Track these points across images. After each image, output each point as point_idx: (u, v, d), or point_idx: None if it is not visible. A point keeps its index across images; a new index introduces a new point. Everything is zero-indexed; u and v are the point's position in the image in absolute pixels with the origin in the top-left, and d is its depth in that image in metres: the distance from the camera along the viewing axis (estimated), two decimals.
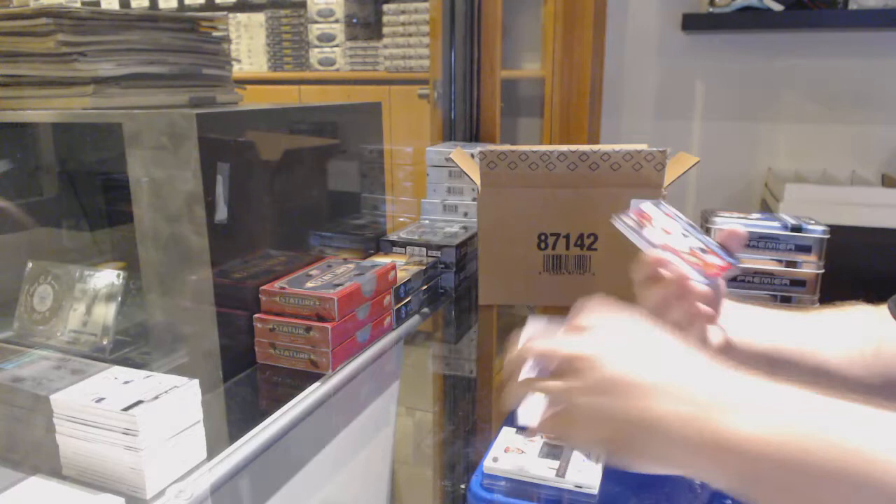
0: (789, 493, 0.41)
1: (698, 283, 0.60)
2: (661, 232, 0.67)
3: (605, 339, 0.49)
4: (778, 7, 1.92)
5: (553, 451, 0.65)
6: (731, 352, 0.63)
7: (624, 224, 0.69)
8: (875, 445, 0.39)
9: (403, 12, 2.53)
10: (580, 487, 0.61)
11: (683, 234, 0.67)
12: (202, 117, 0.74)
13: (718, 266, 0.63)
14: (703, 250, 0.65)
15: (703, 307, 0.61)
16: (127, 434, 0.56)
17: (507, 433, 0.69)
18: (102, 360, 0.79)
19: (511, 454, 0.65)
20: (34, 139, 1.05)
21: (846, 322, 0.67)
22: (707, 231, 0.93)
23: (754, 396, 0.44)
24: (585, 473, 0.62)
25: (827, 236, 0.92)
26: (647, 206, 0.72)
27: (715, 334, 0.63)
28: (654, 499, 0.64)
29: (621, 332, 0.50)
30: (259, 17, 2.86)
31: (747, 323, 0.65)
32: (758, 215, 0.98)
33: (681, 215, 0.71)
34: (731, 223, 0.93)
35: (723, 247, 0.65)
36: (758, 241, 0.93)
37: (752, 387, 0.45)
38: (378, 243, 1.14)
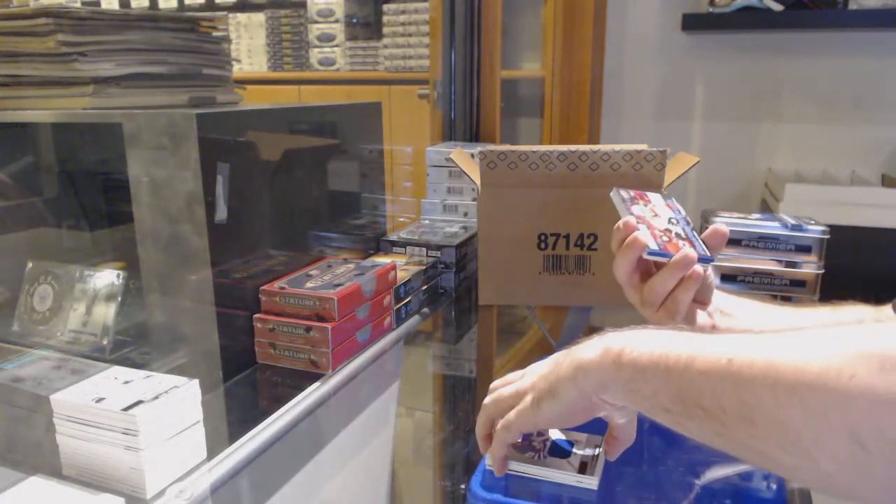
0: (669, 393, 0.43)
1: (648, 254, 0.61)
2: (649, 212, 0.67)
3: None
4: (778, 7, 1.92)
5: (553, 449, 0.65)
6: None
7: (619, 195, 0.69)
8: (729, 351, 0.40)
9: (403, 12, 2.53)
10: (580, 485, 0.61)
11: (670, 221, 0.67)
12: (202, 117, 0.74)
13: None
14: (679, 236, 0.65)
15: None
16: (127, 434, 0.56)
17: None
18: (102, 360, 0.79)
19: (512, 451, 0.65)
20: (34, 139, 1.05)
21: (838, 318, 0.67)
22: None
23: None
24: (586, 472, 0.62)
25: (827, 236, 0.92)
26: (653, 194, 0.72)
27: (703, 319, 0.64)
28: (654, 497, 0.64)
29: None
30: (259, 17, 2.86)
31: (749, 314, 0.66)
32: (758, 215, 0.98)
33: (682, 211, 0.71)
34: (732, 223, 0.93)
35: (704, 242, 0.66)
36: (758, 241, 0.93)
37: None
38: (378, 243, 1.14)
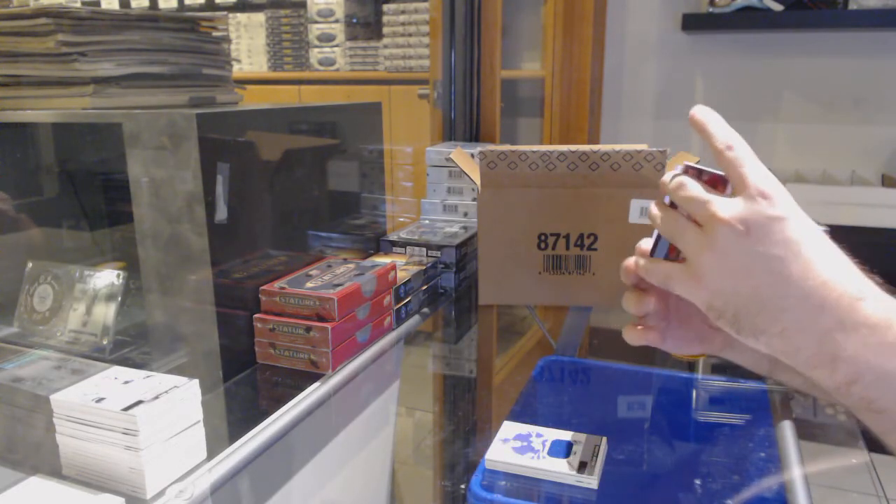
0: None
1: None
2: None
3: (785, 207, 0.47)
4: (778, 7, 1.92)
5: (553, 449, 0.65)
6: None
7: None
8: None
9: (403, 12, 2.53)
10: (580, 485, 0.61)
11: None
12: (202, 117, 0.74)
13: None
14: None
15: None
16: (127, 434, 0.56)
17: (507, 429, 0.69)
18: (102, 360, 0.79)
19: (512, 450, 0.65)
20: (34, 139, 1.05)
21: None
22: None
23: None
24: (586, 470, 0.62)
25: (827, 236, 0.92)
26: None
27: None
28: (654, 497, 0.64)
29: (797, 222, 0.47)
30: (259, 17, 2.87)
31: None
32: None
33: None
34: None
35: None
36: None
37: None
38: (378, 243, 1.14)
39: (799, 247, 0.45)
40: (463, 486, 0.66)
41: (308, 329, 0.80)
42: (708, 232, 0.47)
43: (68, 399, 0.59)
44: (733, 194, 0.47)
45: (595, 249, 1.00)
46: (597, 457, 0.64)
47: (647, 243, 0.57)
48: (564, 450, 0.65)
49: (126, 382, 0.61)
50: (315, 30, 2.73)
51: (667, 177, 0.52)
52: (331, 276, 0.87)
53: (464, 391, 0.96)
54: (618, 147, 0.96)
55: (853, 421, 0.60)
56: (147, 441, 0.56)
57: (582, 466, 0.63)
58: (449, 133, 1.69)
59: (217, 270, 0.78)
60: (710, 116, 0.50)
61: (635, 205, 0.71)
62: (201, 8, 2.95)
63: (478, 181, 1.00)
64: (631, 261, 0.57)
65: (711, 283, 0.47)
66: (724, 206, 0.46)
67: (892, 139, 2.03)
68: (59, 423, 0.59)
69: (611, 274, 0.99)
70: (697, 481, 0.64)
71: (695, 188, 0.49)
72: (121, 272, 0.85)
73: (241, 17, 2.88)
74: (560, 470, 0.63)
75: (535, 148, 0.97)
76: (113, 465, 0.57)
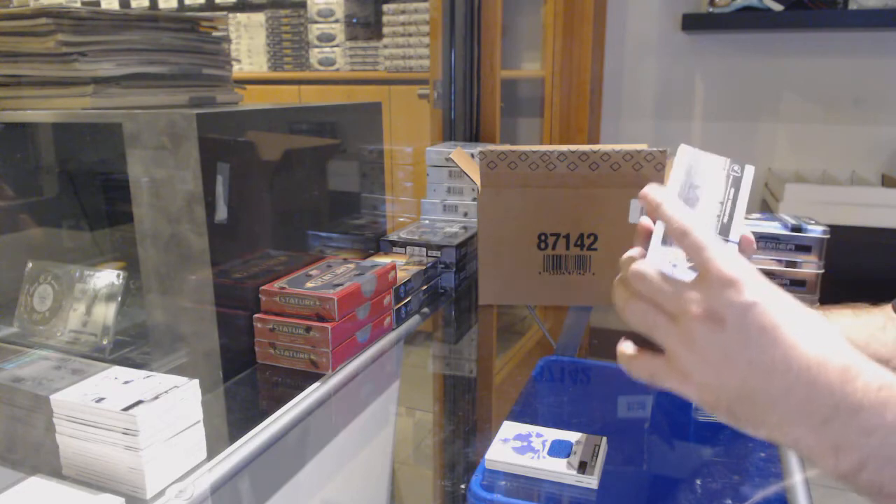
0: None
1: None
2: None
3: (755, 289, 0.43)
4: (778, 7, 1.92)
5: (553, 449, 0.65)
6: None
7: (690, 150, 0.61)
8: None
9: (403, 12, 2.53)
10: (580, 485, 0.62)
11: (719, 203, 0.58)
12: (202, 117, 0.74)
13: None
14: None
15: None
16: (127, 434, 0.56)
17: (507, 429, 0.69)
18: (102, 360, 0.79)
19: (512, 450, 0.65)
20: (34, 139, 1.05)
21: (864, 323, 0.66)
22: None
23: None
24: (586, 470, 0.62)
25: (827, 236, 0.92)
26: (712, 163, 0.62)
27: None
28: (654, 497, 0.64)
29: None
30: (259, 17, 2.86)
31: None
32: (758, 215, 0.98)
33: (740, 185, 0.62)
34: None
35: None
36: (758, 241, 0.93)
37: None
38: (378, 243, 1.14)
39: (775, 332, 0.42)
40: (463, 486, 0.66)
41: (308, 329, 0.80)
42: (681, 326, 0.44)
43: (68, 399, 0.59)
44: (698, 281, 0.45)
45: (595, 249, 1.00)
46: (597, 457, 0.64)
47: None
48: (564, 450, 0.65)
49: (126, 382, 0.61)
50: (315, 30, 2.73)
51: (627, 256, 0.48)
52: (331, 276, 0.87)
53: (464, 391, 0.96)
54: (618, 147, 0.96)
55: None
56: (147, 441, 0.56)
57: (582, 466, 0.63)
58: (449, 133, 1.69)
59: (217, 270, 0.78)
60: (663, 196, 0.47)
61: (635, 205, 0.71)
62: (201, 8, 2.95)
63: (478, 181, 1.00)
64: (644, 220, 0.53)
65: (696, 378, 0.45)
66: (693, 300, 0.44)
67: (892, 139, 2.03)
68: (59, 423, 0.59)
69: (611, 274, 0.99)
70: (697, 481, 0.64)
71: (656, 280, 0.46)
72: (121, 272, 0.85)
73: (241, 17, 2.88)
74: (560, 470, 0.63)
75: (535, 148, 0.97)
76: (113, 465, 0.57)
